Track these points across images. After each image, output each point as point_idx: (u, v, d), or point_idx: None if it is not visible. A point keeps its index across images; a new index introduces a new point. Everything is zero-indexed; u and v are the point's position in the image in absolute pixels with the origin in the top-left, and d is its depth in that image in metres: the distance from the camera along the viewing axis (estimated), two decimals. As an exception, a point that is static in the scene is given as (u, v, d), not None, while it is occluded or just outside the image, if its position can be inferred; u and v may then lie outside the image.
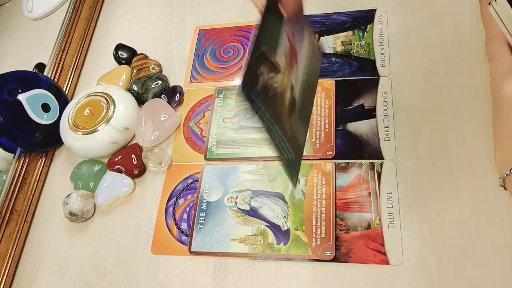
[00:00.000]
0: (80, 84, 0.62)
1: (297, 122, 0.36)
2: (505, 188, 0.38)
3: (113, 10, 0.68)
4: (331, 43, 0.53)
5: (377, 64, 0.50)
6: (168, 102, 0.53)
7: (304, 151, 0.47)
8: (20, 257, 0.50)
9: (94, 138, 0.50)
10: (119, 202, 0.50)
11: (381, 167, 0.44)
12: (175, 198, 0.48)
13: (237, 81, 0.54)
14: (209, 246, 0.44)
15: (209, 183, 0.48)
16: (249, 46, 0.31)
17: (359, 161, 0.45)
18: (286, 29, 0.34)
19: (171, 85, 0.56)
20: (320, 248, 0.41)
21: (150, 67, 0.57)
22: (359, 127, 0.47)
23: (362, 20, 0.53)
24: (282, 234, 0.43)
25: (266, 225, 0.44)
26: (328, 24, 0.54)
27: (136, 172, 0.50)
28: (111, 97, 0.52)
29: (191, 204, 0.47)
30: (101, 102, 0.52)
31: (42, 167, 0.54)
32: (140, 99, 0.55)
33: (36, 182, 0.53)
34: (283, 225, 0.43)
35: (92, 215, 0.50)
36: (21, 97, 0.51)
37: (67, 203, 0.49)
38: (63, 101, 0.56)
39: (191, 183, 0.49)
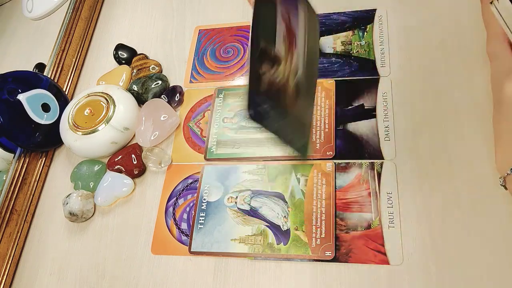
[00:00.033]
0: (80, 84, 0.62)
1: (304, 101, 0.37)
2: (506, 188, 0.38)
3: (113, 10, 0.68)
4: (331, 43, 0.53)
5: (377, 64, 0.50)
6: (168, 102, 0.53)
7: (304, 151, 0.47)
8: (20, 257, 0.50)
9: (94, 138, 0.51)
10: (119, 202, 0.50)
11: (381, 167, 0.44)
12: (175, 198, 0.48)
13: (237, 81, 0.54)
14: (209, 246, 0.44)
15: (209, 183, 0.48)
16: (249, 46, 0.31)
17: (359, 161, 0.45)
18: (281, 11, 0.34)
19: (171, 85, 0.56)
20: (320, 248, 0.41)
21: (150, 67, 0.57)
22: (359, 127, 0.47)
23: (362, 20, 0.53)
24: (282, 234, 0.43)
25: (266, 225, 0.44)
26: (328, 24, 0.54)
27: (136, 172, 0.50)
28: (111, 97, 0.52)
29: (191, 204, 0.47)
30: (101, 102, 0.52)
31: (42, 167, 0.54)
32: (140, 99, 0.55)
33: (36, 182, 0.53)
34: (283, 225, 0.43)
35: (92, 215, 0.50)
36: (21, 97, 0.51)
37: (67, 203, 0.49)
38: (63, 101, 0.56)
39: (191, 183, 0.49)
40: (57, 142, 0.54)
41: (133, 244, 0.47)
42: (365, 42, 0.52)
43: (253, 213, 0.45)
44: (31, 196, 0.52)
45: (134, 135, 0.53)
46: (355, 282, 0.39)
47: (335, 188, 0.44)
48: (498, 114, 0.40)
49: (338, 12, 0.55)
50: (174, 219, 0.47)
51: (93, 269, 0.47)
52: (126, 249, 0.47)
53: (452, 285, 0.37)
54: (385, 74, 0.49)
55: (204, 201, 0.47)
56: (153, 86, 0.55)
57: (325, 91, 0.50)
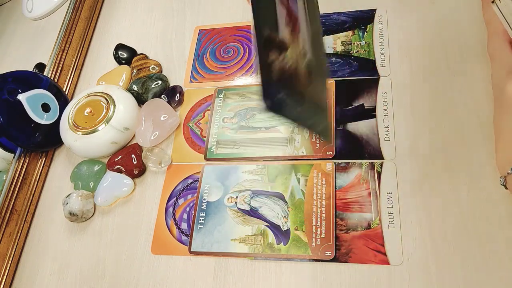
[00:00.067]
0: (80, 84, 0.62)
1: (318, 83, 0.37)
2: (506, 187, 0.38)
3: (113, 10, 0.68)
4: (331, 43, 0.53)
5: (377, 64, 0.50)
6: (168, 102, 0.53)
7: (304, 151, 0.47)
8: (20, 257, 0.50)
9: (94, 138, 0.51)
10: (119, 202, 0.50)
11: (381, 167, 0.44)
12: (175, 198, 0.48)
13: (237, 81, 0.54)
14: (209, 246, 0.44)
15: (209, 183, 0.48)
16: (253, 36, 0.31)
17: (359, 161, 0.45)
18: None
19: (171, 85, 0.56)
20: (320, 248, 0.41)
21: (150, 67, 0.57)
22: (359, 127, 0.47)
23: (362, 20, 0.53)
24: (282, 234, 0.43)
25: (266, 225, 0.44)
26: (328, 24, 0.54)
27: (136, 172, 0.50)
28: (111, 97, 0.52)
29: (191, 204, 0.47)
30: (101, 102, 0.52)
31: (42, 167, 0.54)
32: (140, 99, 0.55)
33: (36, 182, 0.53)
34: (283, 225, 0.43)
35: (92, 215, 0.50)
36: (21, 97, 0.51)
37: (67, 203, 0.49)
38: (63, 101, 0.56)
39: (191, 183, 0.49)
40: (57, 142, 0.54)
41: (133, 244, 0.47)
42: (365, 42, 0.52)
43: (253, 213, 0.45)
44: (31, 196, 0.52)
45: (134, 135, 0.53)
46: (355, 282, 0.39)
47: (335, 188, 0.44)
48: (499, 114, 0.40)
49: (338, 12, 0.55)
50: (174, 219, 0.47)
51: (93, 269, 0.47)
52: (126, 249, 0.47)
53: (452, 285, 0.37)
54: (385, 74, 0.49)
55: (204, 201, 0.47)
56: (153, 86, 0.55)
57: (325, 91, 0.50)
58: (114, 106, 0.52)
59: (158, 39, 0.61)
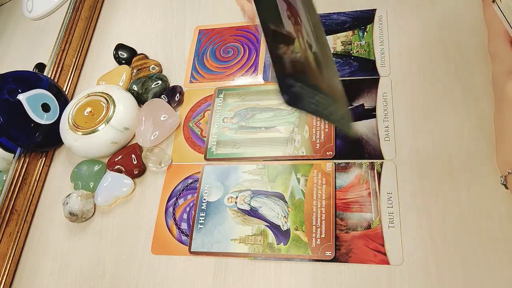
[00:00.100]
0: (80, 84, 0.62)
1: (328, 72, 0.37)
2: (506, 187, 0.38)
3: (113, 10, 0.68)
4: (331, 43, 0.53)
5: (377, 64, 0.50)
6: (168, 102, 0.53)
7: (304, 151, 0.47)
8: (20, 257, 0.50)
9: (94, 138, 0.50)
10: (119, 202, 0.50)
11: (381, 167, 0.44)
12: (175, 198, 0.48)
13: (237, 81, 0.54)
14: (209, 246, 0.44)
15: (209, 183, 0.48)
16: (260, 33, 0.31)
17: (359, 161, 0.45)
18: None
19: (171, 85, 0.56)
20: (320, 248, 0.41)
21: (150, 67, 0.57)
22: (359, 127, 0.46)
23: (362, 20, 0.53)
24: (282, 234, 0.43)
25: (266, 225, 0.44)
26: (328, 24, 0.54)
27: (136, 172, 0.50)
28: (111, 97, 0.52)
29: (191, 204, 0.47)
30: (101, 102, 0.52)
31: (42, 167, 0.54)
32: (140, 99, 0.55)
33: (36, 182, 0.53)
34: (283, 225, 0.43)
35: (92, 215, 0.50)
36: (21, 97, 0.51)
37: (67, 203, 0.49)
38: (63, 101, 0.56)
39: (191, 183, 0.49)
40: (57, 142, 0.54)
41: (133, 244, 0.47)
42: (365, 42, 0.52)
43: (253, 213, 0.45)
44: (31, 196, 0.52)
45: (134, 135, 0.53)
46: (355, 282, 0.39)
47: (335, 188, 0.44)
48: (500, 114, 0.40)
49: (338, 12, 0.55)
50: (174, 219, 0.47)
51: (93, 269, 0.47)
52: (126, 249, 0.47)
53: (452, 285, 0.37)
54: (385, 74, 0.49)
55: (204, 201, 0.47)
56: (153, 86, 0.55)
57: (325, 91, 0.50)
58: (114, 106, 0.52)
59: (158, 39, 0.61)
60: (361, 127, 0.46)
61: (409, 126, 0.45)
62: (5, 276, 0.48)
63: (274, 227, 0.44)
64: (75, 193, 0.49)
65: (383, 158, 0.44)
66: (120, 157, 0.51)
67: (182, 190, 0.48)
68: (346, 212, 0.42)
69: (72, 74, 0.61)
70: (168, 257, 0.45)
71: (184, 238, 0.45)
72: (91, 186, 0.51)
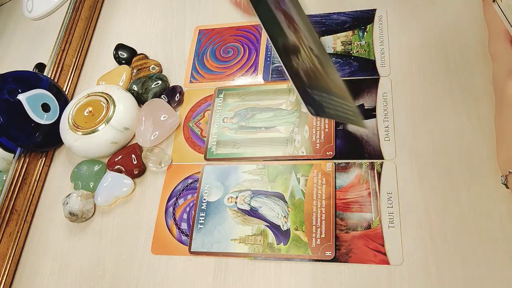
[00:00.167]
0: (80, 84, 0.62)
1: (330, 70, 0.37)
2: (507, 187, 0.38)
3: (113, 10, 0.68)
4: (331, 43, 0.53)
5: (377, 64, 0.50)
6: (168, 102, 0.53)
7: (304, 151, 0.47)
8: (20, 257, 0.50)
9: (94, 138, 0.50)
10: (119, 202, 0.50)
11: (381, 167, 0.44)
12: (175, 198, 0.48)
13: (237, 81, 0.54)
14: (209, 246, 0.44)
15: (209, 183, 0.48)
16: (273, 50, 0.32)
17: (359, 161, 0.45)
18: (271, 2, 0.34)
19: (171, 85, 0.56)
20: (320, 248, 0.41)
21: (150, 67, 0.57)
22: (359, 127, 0.46)
23: (362, 20, 0.53)
24: (282, 234, 0.43)
25: (266, 225, 0.44)
26: (328, 24, 0.54)
27: (136, 172, 0.50)
28: (111, 97, 0.52)
29: (191, 204, 0.47)
30: (101, 102, 0.52)
31: (42, 167, 0.54)
32: (140, 99, 0.55)
33: (36, 182, 0.53)
34: (283, 225, 0.43)
35: (92, 215, 0.50)
36: (21, 97, 0.51)
37: (67, 203, 0.49)
38: (63, 101, 0.56)
39: (191, 183, 0.49)
40: (57, 142, 0.54)
41: (133, 244, 0.47)
42: (365, 42, 0.52)
43: (253, 213, 0.45)
44: (31, 196, 0.52)
45: (134, 135, 0.53)
46: (355, 282, 0.39)
47: (335, 188, 0.44)
48: (500, 113, 0.40)
49: (338, 12, 0.55)
50: (174, 219, 0.47)
51: (93, 269, 0.47)
52: (126, 249, 0.47)
53: (452, 285, 0.37)
54: (385, 74, 0.49)
55: (204, 201, 0.47)
56: (153, 86, 0.55)
57: (325, 91, 0.50)
58: (114, 106, 0.52)
59: (158, 39, 0.61)
60: (352, 126, 0.46)
61: (409, 126, 0.45)
62: (5, 276, 0.48)
63: (274, 227, 0.44)
64: (75, 193, 0.49)
65: (383, 158, 0.44)
66: (120, 157, 0.51)
67: (182, 190, 0.48)
68: (346, 212, 0.42)
69: (72, 74, 0.61)
70: (168, 257, 0.45)
71: (184, 238, 0.45)
72: (91, 186, 0.51)
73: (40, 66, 0.63)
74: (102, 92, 0.53)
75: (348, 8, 0.55)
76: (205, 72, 0.56)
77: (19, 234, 0.50)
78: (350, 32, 0.53)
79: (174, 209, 0.48)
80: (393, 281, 0.39)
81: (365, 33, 0.52)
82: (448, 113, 0.45)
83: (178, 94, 0.54)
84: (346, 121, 0.38)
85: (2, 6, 0.77)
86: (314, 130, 0.48)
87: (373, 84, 0.49)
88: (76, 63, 0.62)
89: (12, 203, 0.51)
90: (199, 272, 0.44)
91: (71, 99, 0.58)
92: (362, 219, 0.42)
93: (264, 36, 0.56)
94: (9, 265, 0.48)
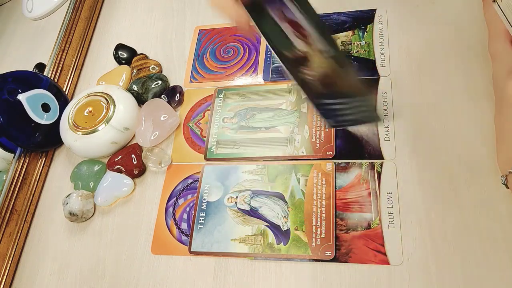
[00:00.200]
0: (80, 84, 0.62)
1: (346, 67, 0.37)
2: (507, 187, 0.38)
3: (113, 10, 0.68)
4: (331, 43, 0.53)
5: (377, 64, 0.50)
6: (168, 102, 0.53)
7: (304, 151, 0.47)
8: (20, 257, 0.50)
9: (94, 138, 0.50)
10: (119, 202, 0.50)
11: (381, 167, 0.44)
12: (175, 198, 0.48)
13: (237, 81, 0.54)
14: (209, 246, 0.44)
15: (209, 183, 0.48)
16: (281, 65, 0.31)
17: (359, 161, 0.45)
18: (273, 12, 0.34)
19: (171, 85, 0.56)
20: (320, 248, 0.41)
21: (150, 67, 0.57)
22: (359, 127, 0.46)
23: (362, 20, 0.53)
24: (282, 234, 0.43)
25: (266, 225, 0.44)
26: (328, 24, 0.54)
27: (136, 172, 0.50)
28: (111, 97, 0.52)
29: (191, 204, 0.47)
30: (101, 102, 0.52)
31: (42, 167, 0.54)
32: (140, 99, 0.55)
33: (36, 182, 0.53)
34: (283, 225, 0.43)
35: (92, 215, 0.50)
36: (21, 97, 0.51)
37: (67, 203, 0.49)
38: (63, 101, 0.56)
39: (191, 183, 0.49)
40: (57, 142, 0.54)
41: (133, 244, 0.47)
42: (365, 42, 0.52)
43: (253, 213, 0.45)
44: (31, 196, 0.52)
45: (134, 135, 0.53)
46: (355, 282, 0.39)
47: (335, 188, 0.44)
48: (500, 113, 0.40)
49: (338, 12, 0.55)
50: (174, 219, 0.47)
51: (93, 269, 0.47)
52: (126, 249, 0.47)
53: (452, 285, 0.37)
54: (385, 74, 0.49)
55: (204, 201, 0.47)
56: (153, 86, 0.55)
57: (325, 91, 0.50)
58: (114, 106, 0.52)
59: (158, 39, 0.61)
60: (361, 127, 0.46)
61: (409, 126, 0.45)
62: (5, 276, 0.48)
63: (274, 227, 0.44)
64: (75, 193, 0.49)
65: (383, 158, 0.44)
66: (120, 157, 0.51)
67: (182, 190, 0.48)
68: (346, 212, 0.42)
69: (72, 74, 0.61)
70: (168, 257, 0.45)
71: (184, 238, 0.45)
72: (91, 186, 0.51)
73: (40, 66, 0.63)
74: (102, 92, 0.53)
75: (348, 8, 0.55)
76: (205, 72, 0.56)
77: (19, 234, 0.50)
78: (350, 32, 0.53)
79: (174, 209, 0.48)
80: (393, 281, 0.39)
81: (365, 33, 0.52)
82: (448, 113, 0.45)
83: (178, 94, 0.54)
84: (364, 123, 0.37)
85: (2, 6, 0.77)
86: (314, 130, 0.48)
87: (373, 84, 0.49)
88: (76, 63, 0.62)
89: (12, 203, 0.51)
90: (199, 272, 0.43)
91: (71, 99, 0.58)
92: (362, 219, 0.42)
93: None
94: (9, 265, 0.48)
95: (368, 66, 0.50)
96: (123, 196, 0.50)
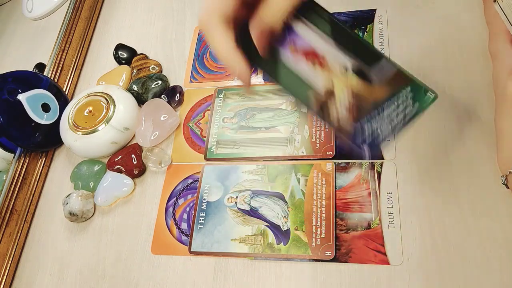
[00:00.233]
0: (80, 84, 0.62)
1: (373, 71, 0.34)
2: (507, 187, 0.38)
3: (113, 10, 0.68)
4: (331, 43, 0.53)
5: (377, 64, 0.50)
6: (168, 102, 0.53)
7: (304, 151, 0.47)
8: (20, 257, 0.50)
9: (94, 138, 0.51)
10: (119, 202, 0.50)
11: (381, 167, 0.44)
12: (175, 198, 0.48)
13: (237, 81, 0.54)
14: (209, 246, 0.44)
15: (209, 183, 0.48)
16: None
17: (359, 161, 0.45)
18: (287, 54, 0.32)
19: (171, 85, 0.56)
20: (320, 248, 0.41)
21: (150, 67, 0.57)
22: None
23: (362, 20, 0.53)
24: (282, 234, 0.43)
25: (266, 225, 0.44)
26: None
27: (136, 172, 0.50)
28: (111, 97, 0.52)
29: (191, 204, 0.47)
30: (101, 102, 0.52)
31: (42, 167, 0.54)
32: (140, 99, 0.55)
33: (36, 182, 0.53)
34: (283, 225, 0.43)
35: (92, 215, 0.50)
36: (21, 97, 0.51)
37: (67, 203, 0.49)
38: (63, 101, 0.56)
39: (191, 183, 0.49)
40: (57, 142, 0.54)
41: (133, 244, 0.47)
42: (365, 42, 0.51)
43: (253, 213, 0.45)
44: (31, 196, 0.52)
45: (134, 135, 0.53)
46: (355, 282, 0.39)
47: (335, 188, 0.44)
48: (500, 113, 0.40)
49: (338, 12, 0.55)
50: (174, 219, 0.47)
51: (93, 269, 0.47)
52: (126, 249, 0.47)
53: (452, 285, 0.37)
54: (385, 74, 0.49)
55: (204, 201, 0.47)
56: (153, 86, 0.55)
57: (325, 91, 0.50)
58: (114, 106, 0.52)
59: (158, 39, 0.61)
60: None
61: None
62: (5, 276, 0.48)
63: (274, 227, 0.44)
64: (75, 193, 0.49)
65: (383, 158, 0.44)
66: (120, 157, 0.51)
67: (182, 190, 0.48)
68: (346, 212, 0.42)
69: (72, 74, 0.61)
70: (168, 257, 0.45)
71: (184, 238, 0.45)
72: (91, 186, 0.51)
73: (40, 66, 0.63)
74: (102, 92, 0.53)
75: (348, 8, 0.55)
76: (205, 72, 0.56)
77: (19, 234, 0.50)
78: (350, 32, 0.53)
79: (174, 209, 0.48)
80: (393, 281, 0.39)
81: (365, 33, 0.52)
82: (448, 113, 0.45)
83: (178, 94, 0.54)
84: (408, 124, 0.34)
85: (2, 6, 0.77)
86: (314, 130, 0.48)
87: (373, 84, 0.48)
88: (76, 63, 0.62)
89: (12, 203, 0.51)
90: (199, 272, 0.44)
91: (71, 99, 0.58)
92: (362, 219, 0.42)
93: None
94: (9, 265, 0.48)
95: (368, 66, 0.50)
96: (123, 196, 0.50)
